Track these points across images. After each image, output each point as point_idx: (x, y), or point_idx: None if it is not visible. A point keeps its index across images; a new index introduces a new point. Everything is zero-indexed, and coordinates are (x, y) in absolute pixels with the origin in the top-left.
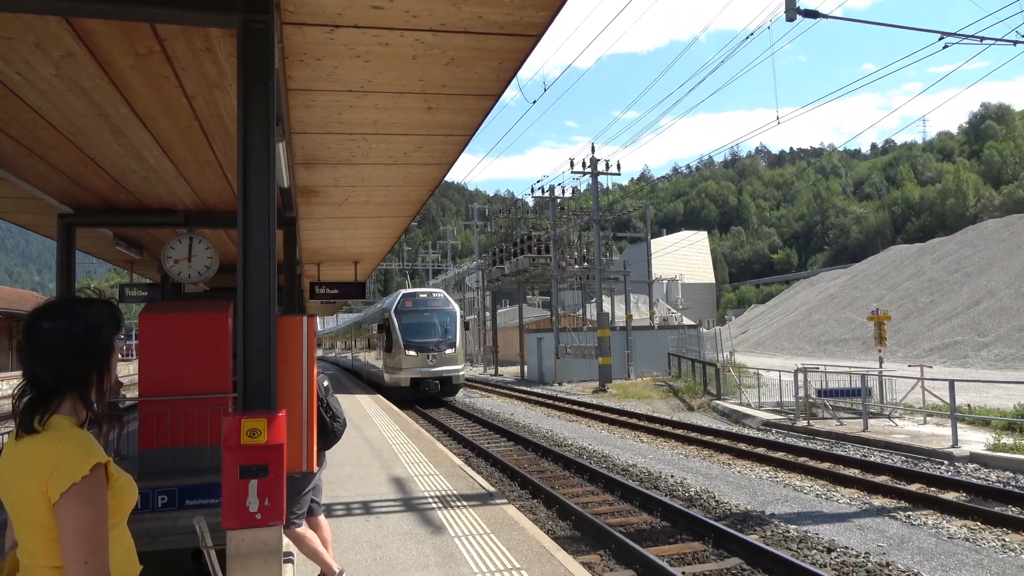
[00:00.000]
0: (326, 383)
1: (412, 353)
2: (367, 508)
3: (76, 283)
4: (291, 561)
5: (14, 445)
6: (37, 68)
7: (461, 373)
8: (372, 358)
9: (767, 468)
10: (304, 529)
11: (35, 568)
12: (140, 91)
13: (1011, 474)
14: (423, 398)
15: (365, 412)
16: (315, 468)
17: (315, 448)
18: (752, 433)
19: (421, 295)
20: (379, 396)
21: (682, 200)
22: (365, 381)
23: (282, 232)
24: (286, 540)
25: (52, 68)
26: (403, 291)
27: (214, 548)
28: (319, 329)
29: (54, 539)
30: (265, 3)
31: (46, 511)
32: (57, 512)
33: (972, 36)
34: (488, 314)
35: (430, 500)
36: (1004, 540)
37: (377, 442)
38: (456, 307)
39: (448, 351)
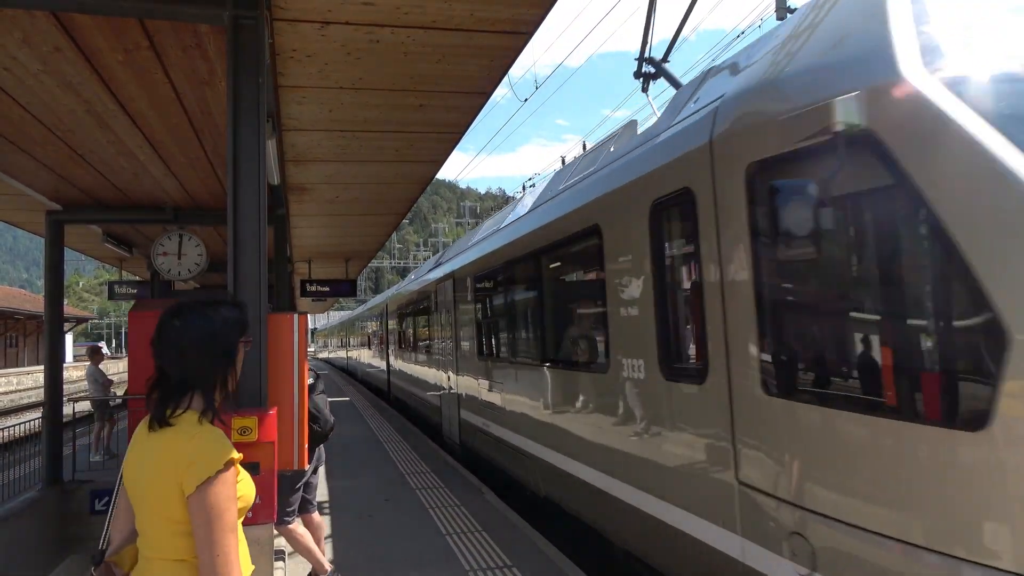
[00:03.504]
0: (310, 380)
1: None
2: (359, 505)
3: (64, 281)
4: (282, 559)
5: (147, 437)
6: (24, 64)
7: None
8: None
9: None
10: (297, 525)
11: (156, 561)
12: (129, 87)
13: None
14: None
15: None
16: (306, 466)
17: (306, 446)
18: None
19: None
20: None
21: None
22: (485, 460)
23: (272, 229)
24: (278, 538)
25: (39, 64)
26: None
27: None
28: (312, 327)
29: (180, 532)
30: None
31: (178, 504)
32: (191, 504)
33: None
34: None
35: (422, 497)
36: None
37: (368, 438)
38: None
39: None
